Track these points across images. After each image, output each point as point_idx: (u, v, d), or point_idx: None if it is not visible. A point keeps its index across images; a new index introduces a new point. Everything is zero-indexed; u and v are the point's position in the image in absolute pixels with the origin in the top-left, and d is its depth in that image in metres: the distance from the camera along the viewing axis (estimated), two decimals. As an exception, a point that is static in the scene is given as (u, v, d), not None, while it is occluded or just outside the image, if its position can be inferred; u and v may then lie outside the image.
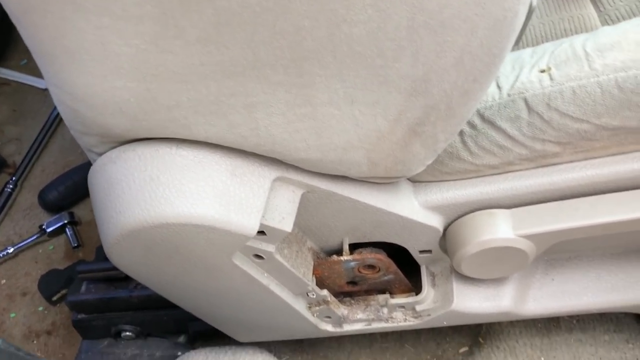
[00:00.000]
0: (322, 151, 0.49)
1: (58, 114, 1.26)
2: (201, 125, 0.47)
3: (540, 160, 0.56)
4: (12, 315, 1.02)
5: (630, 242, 0.63)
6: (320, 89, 0.44)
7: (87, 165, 1.17)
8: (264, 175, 0.51)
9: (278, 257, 0.55)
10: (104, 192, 0.51)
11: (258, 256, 0.55)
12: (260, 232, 0.52)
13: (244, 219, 0.49)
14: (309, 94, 0.45)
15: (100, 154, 0.52)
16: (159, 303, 0.80)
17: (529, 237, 0.57)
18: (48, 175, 1.18)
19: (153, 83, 0.43)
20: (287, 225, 0.51)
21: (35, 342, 0.98)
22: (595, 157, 0.56)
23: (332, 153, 0.50)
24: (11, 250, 1.07)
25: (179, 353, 0.83)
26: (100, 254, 1.02)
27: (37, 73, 1.35)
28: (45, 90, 1.32)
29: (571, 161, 0.56)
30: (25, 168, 1.19)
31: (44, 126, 1.24)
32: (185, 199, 0.48)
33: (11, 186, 1.15)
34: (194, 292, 0.61)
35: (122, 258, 0.54)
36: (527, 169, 0.57)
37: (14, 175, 1.17)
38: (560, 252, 0.65)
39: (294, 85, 0.44)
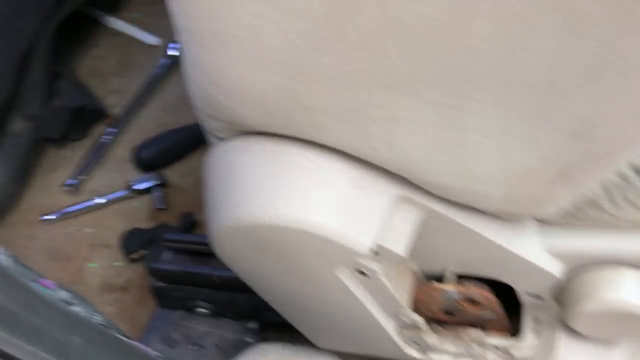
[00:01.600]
0: (458, 179, 0.45)
1: (162, 73, 1.27)
2: (336, 131, 0.44)
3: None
4: (92, 265, 1.04)
5: None
6: (475, 115, 0.40)
7: (184, 129, 1.17)
8: (387, 192, 0.47)
9: (382, 277, 0.52)
10: (222, 180, 0.50)
11: (361, 272, 0.52)
12: (373, 251, 0.49)
13: (359, 235, 0.46)
14: (460, 118, 0.41)
15: (222, 139, 0.50)
16: (238, 286, 0.78)
17: (662, 306, 0.51)
18: (143, 133, 1.19)
19: (299, 82, 0.40)
20: (403, 249, 0.48)
21: (109, 296, 1.00)
22: None
23: (468, 182, 0.46)
24: (100, 201, 1.09)
25: (249, 339, 0.82)
26: (185, 221, 1.03)
27: (148, 28, 1.36)
28: (153, 46, 1.33)
29: None
30: (123, 121, 1.20)
31: (147, 83, 1.26)
32: (306, 204, 0.45)
33: (108, 138, 1.17)
34: (287, 294, 0.59)
35: (226, 249, 0.53)
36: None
37: (112, 127, 1.19)
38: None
39: (447, 107, 0.40)
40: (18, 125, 1.10)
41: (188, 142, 1.15)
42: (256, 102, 0.43)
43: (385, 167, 0.46)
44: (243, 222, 0.47)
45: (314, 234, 0.46)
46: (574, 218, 0.53)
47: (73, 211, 1.09)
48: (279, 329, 0.84)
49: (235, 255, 0.54)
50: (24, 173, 1.12)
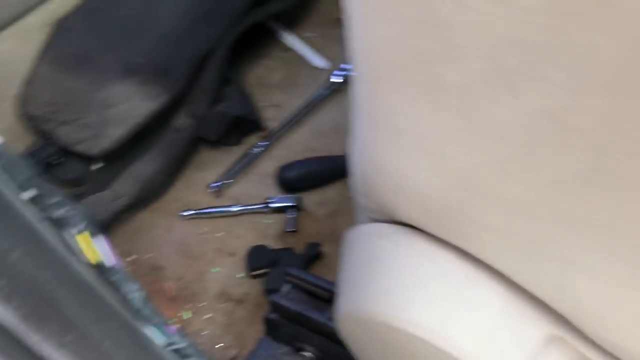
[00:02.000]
0: (622, 329, 0.39)
1: (321, 98, 1.28)
2: (502, 254, 0.39)
3: None
4: (215, 270, 1.07)
5: None
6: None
7: (329, 159, 1.16)
8: (540, 327, 0.42)
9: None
10: (360, 261, 0.47)
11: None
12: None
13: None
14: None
15: (373, 220, 0.48)
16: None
17: None
18: (290, 152, 1.21)
19: (474, 197, 0.37)
20: (545, 395, 0.42)
21: (223, 305, 1.03)
22: None
23: (632, 338, 0.39)
24: (236, 209, 1.12)
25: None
26: (311, 251, 1.02)
27: (320, 50, 1.38)
28: (320, 70, 1.35)
29: None
30: (276, 137, 1.23)
31: (306, 104, 1.27)
32: (450, 321, 0.41)
33: (259, 149, 1.20)
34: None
35: (349, 328, 0.50)
36: None
37: (265, 140, 1.22)
38: None
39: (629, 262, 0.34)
40: (182, 121, 1.17)
41: (330, 173, 1.15)
42: (419, 200, 0.40)
43: (547, 302, 0.41)
44: (372, 316, 0.45)
45: (447, 352, 0.42)
46: None
47: (210, 212, 1.14)
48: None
49: (356, 338, 0.51)
50: (177, 166, 1.18)
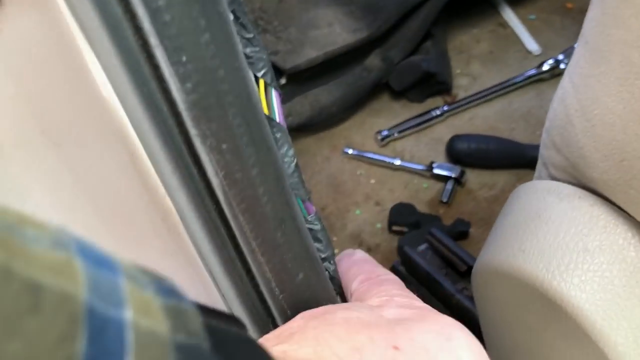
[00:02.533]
0: None
1: (521, 82, 1.19)
2: None
3: None
4: (358, 212, 1.07)
5: None
6: None
7: (508, 142, 1.09)
8: None
9: None
10: (522, 215, 0.42)
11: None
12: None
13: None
14: None
15: (552, 178, 0.43)
16: (467, 316, 0.71)
17: None
18: (469, 127, 1.16)
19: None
20: None
21: (353, 246, 1.02)
22: None
23: None
24: (398, 162, 1.10)
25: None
26: (457, 227, 0.97)
27: (536, 34, 1.29)
28: (530, 53, 1.26)
29: None
30: (461, 106, 1.18)
31: (502, 83, 1.20)
32: (596, 294, 0.35)
33: (439, 112, 1.16)
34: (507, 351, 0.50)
35: (483, 282, 0.46)
36: None
37: (448, 105, 1.17)
38: None
39: None
40: (374, 62, 1.16)
41: (504, 156, 1.07)
42: (623, 169, 0.34)
43: None
44: (517, 272, 0.40)
45: (585, 329, 0.36)
46: None
47: (371, 158, 1.13)
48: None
49: (489, 294, 0.46)
50: (354, 104, 1.18)
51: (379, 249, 1.01)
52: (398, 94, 1.20)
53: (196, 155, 0.27)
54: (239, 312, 0.32)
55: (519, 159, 1.06)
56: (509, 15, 1.34)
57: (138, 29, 0.23)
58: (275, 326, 0.32)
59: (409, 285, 0.80)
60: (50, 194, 0.28)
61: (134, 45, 0.23)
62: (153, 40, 0.23)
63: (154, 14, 0.22)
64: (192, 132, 0.27)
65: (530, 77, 1.19)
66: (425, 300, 0.80)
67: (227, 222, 0.29)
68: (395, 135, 1.15)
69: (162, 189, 0.27)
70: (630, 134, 0.33)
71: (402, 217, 1.01)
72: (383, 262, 0.97)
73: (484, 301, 0.49)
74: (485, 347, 0.55)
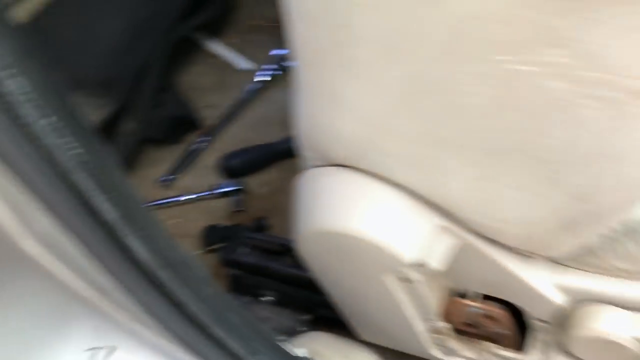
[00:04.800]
0: (488, 218, 0.61)
1: (249, 96, 1.46)
2: (401, 172, 0.60)
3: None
4: (176, 250, 1.23)
5: None
6: (505, 175, 0.56)
7: (266, 146, 1.35)
8: (433, 220, 0.63)
9: (420, 286, 0.68)
10: (308, 195, 0.67)
11: (404, 280, 0.68)
12: (415, 264, 0.64)
13: (407, 250, 0.62)
14: (494, 175, 0.56)
15: (314, 166, 0.67)
16: (300, 283, 0.95)
17: (642, 341, 0.65)
18: (229, 145, 1.39)
19: (380, 134, 0.57)
20: (440, 266, 0.63)
21: (187, 278, 1.18)
22: None
23: (494, 222, 0.61)
24: (188, 197, 1.29)
25: (302, 329, 0.98)
26: (258, 224, 1.20)
27: (243, 54, 1.56)
28: (246, 71, 1.53)
29: None
30: (214, 132, 1.40)
31: (237, 102, 1.45)
32: (369, 220, 0.62)
33: (200, 144, 1.37)
34: (345, 289, 0.75)
35: (306, 248, 0.69)
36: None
37: (204, 136, 1.39)
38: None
39: (485, 167, 0.56)
40: (128, 126, 1.31)
41: (267, 158, 1.33)
42: (346, 144, 0.60)
43: (434, 202, 0.62)
44: (321, 228, 0.64)
45: (372, 243, 0.62)
46: (576, 262, 0.67)
47: (164, 203, 1.29)
48: (328, 324, 0.99)
49: (312, 253, 0.70)
50: (128, 167, 1.32)
51: (208, 270, 1.19)
52: (161, 143, 1.38)
53: None
54: None
55: (276, 155, 1.33)
56: (216, 47, 1.59)
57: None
58: None
59: (246, 281, 1.01)
60: None
61: None
62: None
63: None
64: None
65: (254, 89, 1.47)
66: (263, 285, 1.02)
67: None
68: (174, 176, 1.33)
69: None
70: (352, 128, 0.58)
71: (213, 237, 1.21)
72: (216, 277, 1.17)
73: (314, 259, 0.72)
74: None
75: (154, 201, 1.29)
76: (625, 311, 0.66)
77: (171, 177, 1.33)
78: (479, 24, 0.46)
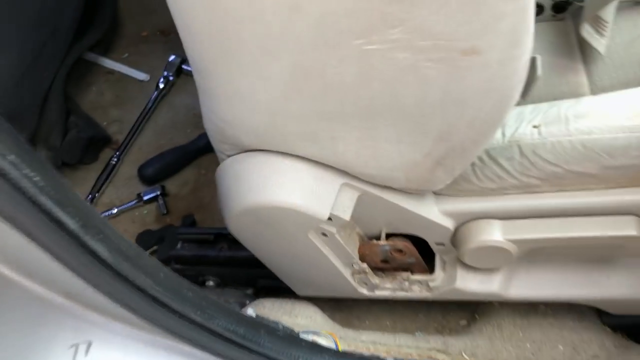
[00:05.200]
0: (377, 169, 0.75)
1: (154, 104, 1.53)
2: (302, 147, 0.72)
3: (525, 189, 0.80)
4: (115, 261, 1.30)
5: (586, 253, 0.86)
6: (381, 132, 0.70)
7: (178, 149, 1.44)
8: (336, 180, 0.76)
9: (337, 236, 0.81)
10: (230, 182, 0.78)
11: (324, 234, 0.81)
12: (329, 219, 0.78)
13: (320, 208, 0.75)
14: (373, 135, 0.70)
15: (229, 156, 0.79)
16: (237, 263, 1.07)
17: (514, 241, 0.81)
18: (144, 154, 1.46)
19: (278, 119, 0.69)
20: (347, 215, 0.77)
21: (131, 283, 1.26)
22: (565, 190, 0.79)
23: (382, 171, 0.75)
24: (115, 211, 1.35)
25: (247, 301, 1.10)
26: (186, 223, 1.30)
27: (137, 66, 1.62)
28: (143, 81, 1.60)
29: (548, 191, 0.80)
30: (126, 145, 1.47)
31: (141, 112, 1.52)
32: (285, 191, 0.74)
33: (115, 159, 1.43)
34: (277, 255, 0.87)
35: (238, 227, 0.81)
36: (516, 194, 0.81)
37: (117, 151, 1.45)
38: (538, 255, 0.89)
39: (365, 129, 0.69)
40: (43, 154, 1.36)
41: (182, 159, 1.42)
42: (252, 132, 0.72)
43: (334, 166, 0.75)
44: (246, 206, 0.75)
45: (292, 209, 0.74)
46: (455, 190, 0.83)
47: (93, 221, 1.35)
48: (268, 292, 1.12)
49: (243, 230, 0.82)
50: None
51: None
52: (77, 165, 1.43)
53: None
54: None
55: (189, 155, 1.42)
56: (109, 63, 1.64)
57: None
58: None
59: (188, 272, 1.11)
60: None
61: None
62: None
63: None
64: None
65: (156, 98, 1.54)
66: (204, 272, 1.12)
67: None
68: (97, 194, 1.39)
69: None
70: (254, 118, 0.69)
71: (148, 241, 1.29)
72: (159, 277, 1.25)
73: (246, 235, 0.83)
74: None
75: (83, 221, 1.34)
76: (497, 220, 0.82)
77: (95, 195, 1.38)
78: (335, 18, 0.58)
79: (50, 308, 0.62)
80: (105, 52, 1.65)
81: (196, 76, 0.70)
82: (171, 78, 1.56)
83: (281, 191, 0.74)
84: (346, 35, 0.59)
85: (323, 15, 0.57)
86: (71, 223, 0.51)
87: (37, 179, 0.49)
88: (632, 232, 0.78)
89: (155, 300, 0.62)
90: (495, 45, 0.60)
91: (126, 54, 1.67)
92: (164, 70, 1.57)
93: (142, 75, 1.61)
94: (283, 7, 0.57)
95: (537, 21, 0.97)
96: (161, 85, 1.55)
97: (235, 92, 0.67)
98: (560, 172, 0.76)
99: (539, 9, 0.97)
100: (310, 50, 0.60)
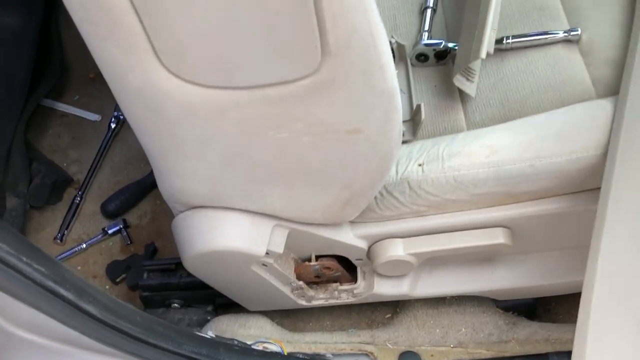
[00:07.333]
0: (299, 213, 0.95)
1: (108, 143, 1.69)
2: (238, 203, 0.93)
3: (417, 214, 1.02)
4: (89, 291, 1.48)
5: (472, 256, 1.10)
6: (298, 189, 0.90)
7: (135, 183, 1.62)
8: (268, 224, 0.97)
9: (275, 265, 1.02)
10: (183, 233, 0.97)
11: (264, 264, 1.02)
12: (266, 254, 0.98)
13: (258, 247, 0.96)
14: (293, 191, 0.91)
15: (182, 211, 0.98)
16: (196, 286, 1.26)
17: (413, 254, 1.04)
18: (104, 190, 1.63)
19: (217, 187, 0.89)
20: (280, 249, 0.97)
21: (106, 309, 1.44)
22: (447, 212, 1.02)
23: (304, 214, 0.96)
24: (84, 245, 1.52)
25: (209, 317, 1.30)
26: (148, 251, 1.48)
27: (88, 108, 1.77)
28: (96, 122, 1.75)
29: (434, 214, 1.02)
30: (87, 184, 1.63)
31: (98, 152, 1.68)
32: (228, 237, 0.94)
33: (79, 198, 1.60)
34: (230, 283, 1.08)
35: (193, 267, 1.01)
36: (411, 217, 1.03)
37: (79, 190, 1.61)
38: (435, 261, 1.12)
39: (286, 188, 0.90)
40: (12, 202, 1.51)
41: (139, 193, 1.60)
42: (198, 196, 0.91)
43: (265, 212, 0.96)
44: (198, 252, 0.95)
45: (236, 251, 0.94)
46: (364, 218, 1.05)
47: (64, 257, 1.52)
48: (226, 308, 1.32)
49: (198, 269, 1.01)
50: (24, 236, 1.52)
51: (121, 298, 1.46)
52: (43, 206, 1.59)
53: None
54: None
55: (144, 189, 1.60)
56: (62, 106, 1.78)
57: None
58: None
59: (155, 298, 1.30)
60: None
61: None
62: None
63: None
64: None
65: (110, 137, 1.70)
66: (170, 296, 1.33)
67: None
68: (66, 232, 1.56)
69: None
70: (197, 187, 0.89)
71: (116, 270, 1.47)
72: (130, 300, 1.44)
73: (200, 272, 1.03)
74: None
75: (58, 257, 1.51)
76: (399, 239, 1.05)
77: (63, 233, 1.55)
78: (252, 120, 0.78)
79: (49, 353, 0.81)
80: (57, 97, 1.78)
81: (148, 156, 0.89)
82: (121, 117, 1.70)
83: (225, 237, 0.94)
84: (263, 129, 0.79)
85: (243, 118, 0.77)
86: (34, 271, 0.69)
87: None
88: (501, 240, 1.02)
89: (134, 338, 0.82)
90: (372, 125, 0.81)
91: (77, 97, 1.80)
92: (114, 111, 1.72)
93: (94, 116, 1.76)
94: (212, 116, 0.76)
95: (423, 67, 1.21)
96: (112, 125, 1.70)
97: (181, 170, 0.87)
98: (441, 201, 0.99)
99: (425, 57, 1.19)
100: (236, 141, 0.80)
